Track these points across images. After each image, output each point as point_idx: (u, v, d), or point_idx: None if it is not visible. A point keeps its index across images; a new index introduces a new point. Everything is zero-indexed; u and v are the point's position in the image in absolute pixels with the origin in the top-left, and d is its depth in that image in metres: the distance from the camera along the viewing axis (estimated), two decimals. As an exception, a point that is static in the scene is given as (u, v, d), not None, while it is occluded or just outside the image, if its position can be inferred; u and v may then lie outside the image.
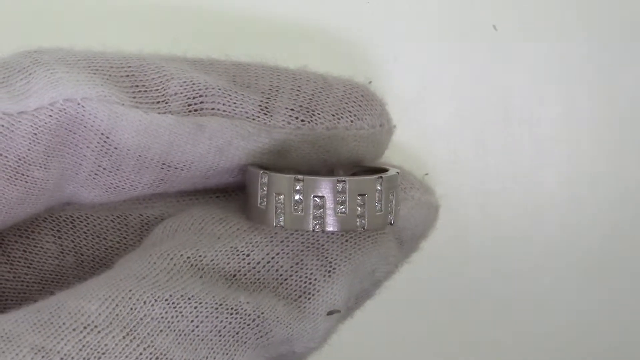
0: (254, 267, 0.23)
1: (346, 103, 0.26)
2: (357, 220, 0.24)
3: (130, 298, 0.21)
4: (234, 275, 0.23)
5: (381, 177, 0.24)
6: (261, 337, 0.23)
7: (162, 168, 0.25)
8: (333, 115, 0.25)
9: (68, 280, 0.26)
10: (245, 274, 0.23)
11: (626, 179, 0.35)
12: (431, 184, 0.29)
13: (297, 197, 0.24)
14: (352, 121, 0.26)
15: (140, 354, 0.21)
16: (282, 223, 0.24)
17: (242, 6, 0.32)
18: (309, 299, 0.24)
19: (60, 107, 0.22)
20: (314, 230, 0.24)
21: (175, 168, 0.25)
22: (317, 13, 0.32)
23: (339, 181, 0.24)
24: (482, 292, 0.35)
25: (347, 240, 0.25)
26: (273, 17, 0.32)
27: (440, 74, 0.34)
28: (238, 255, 0.24)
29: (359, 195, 0.24)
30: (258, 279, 0.23)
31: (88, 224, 0.26)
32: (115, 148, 0.24)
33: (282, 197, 0.24)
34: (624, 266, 0.36)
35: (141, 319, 0.21)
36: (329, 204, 0.24)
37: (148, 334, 0.21)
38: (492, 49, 0.34)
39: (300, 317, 0.24)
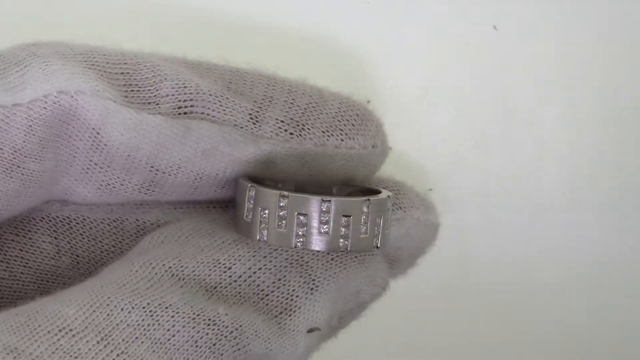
0: (235, 281, 0.23)
1: (339, 121, 0.26)
2: (341, 240, 0.23)
3: (108, 304, 0.21)
4: (215, 287, 0.23)
5: (368, 199, 0.24)
6: (238, 349, 0.23)
7: (151, 170, 0.25)
8: (323, 132, 0.25)
9: (64, 281, 0.26)
10: (226, 287, 0.23)
11: (626, 178, 0.35)
12: (433, 200, 0.28)
13: (281, 213, 0.23)
14: (342, 140, 0.25)
15: (114, 359, 0.21)
16: (265, 238, 0.23)
17: (242, 8, 0.32)
18: (289, 315, 0.24)
19: (54, 99, 0.23)
20: (296, 247, 0.23)
21: (163, 172, 0.25)
22: (317, 13, 0.32)
23: (324, 200, 0.23)
24: (482, 292, 0.35)
25: (332, 259, 0.25)
26: (273, 18, 0.32)
27: (441, 74, 0.34)
28: (219, 267, 0.23)
29: (344, 216, 0.23)
30: (239, 292, 0.23)
31: (84, 226, 0.26)
32: (105, 145, 0.24)
33: (267, 212, 0.23)
34: (624, 266, 0.36)
35: (117, 324, 0.21)
36: (313, 222, 0.23)
37: (123, 340, 0.21)
38: (493, 49, 0.34)
39: (279, 333, 0.24)
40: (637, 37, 0.34)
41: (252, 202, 0.24)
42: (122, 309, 0.21)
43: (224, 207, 0.27)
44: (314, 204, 0.23)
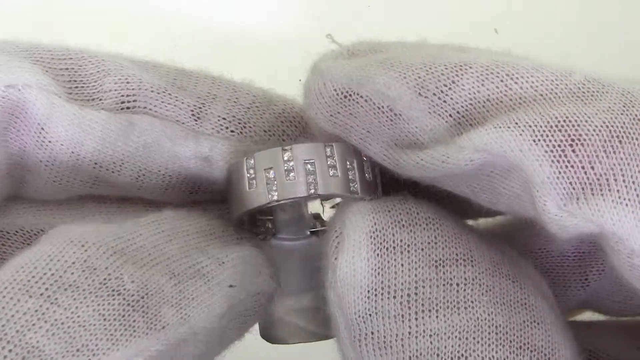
0: (141, 248, 0.22)
1: (282, 122, 0.26)
2: (350, 185, 0.24)
3: (4, 296, 0.20)
4: (122, 250, 0.22)
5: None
6: (150, 321, 0.21)
7: (94, 167, 0.25)
8: (265, 132, 0.26)
9: None
10: (134, 252, 0.22)
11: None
12: None
13: (287, 165, 0.24)
14: (284, 140, 0.26)
15: (5, 356, 0.20)
16: (276, 197, 0.24)
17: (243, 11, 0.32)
18: (202, 278, 0.23)
19: (2, 93, 0.23)
20: (309, 195, 0.23)
21: (107, 169, 0.25)
22: (318, 13, 0.33)
23: (326, 145, 0.24)
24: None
25: (226, 246, 0.24)
26: (274, 17, 0.32)
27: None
28: (123, 239, 0.22)
29: (348, 160, 0.24)
30: (148, 255, 0.22)
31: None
32: (50, 142, 0.24)
33: (271, 170, 0.23)
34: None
35: (11, 316, 0.20)
36: (323, 167, 0.24)
37: (17, 331, 0.20)
38: (493, 51, 0.34)
39: (194, 295, 0.22)
40: (638, 37, 0.34)
41: (252, 170, 0.24)
42: (18, 301, 0.20)
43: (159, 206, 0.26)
44: (320, 149, 0.24)
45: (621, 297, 0.27)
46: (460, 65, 0.23)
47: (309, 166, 0.24)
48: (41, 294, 0.20)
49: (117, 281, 0.21)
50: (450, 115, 0.22)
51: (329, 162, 0.24)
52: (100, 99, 0.24)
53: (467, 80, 0.22)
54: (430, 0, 0.35)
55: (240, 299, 0.24)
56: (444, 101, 0.22)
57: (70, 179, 0.25)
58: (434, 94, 0.22)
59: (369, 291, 0.23)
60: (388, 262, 0.23)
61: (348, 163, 0.24)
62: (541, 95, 0.22)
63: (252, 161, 0.24)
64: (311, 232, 0.27)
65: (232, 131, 0.25)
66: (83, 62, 0.25)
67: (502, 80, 0.22)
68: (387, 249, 0.23)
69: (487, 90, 0.22)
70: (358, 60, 0.24)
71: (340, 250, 0.23)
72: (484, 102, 0.22)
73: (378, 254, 0.23)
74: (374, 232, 0.23)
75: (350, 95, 0.23)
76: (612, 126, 0.21)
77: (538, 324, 0.23)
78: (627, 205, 0.21)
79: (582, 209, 0.21)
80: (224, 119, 0.25)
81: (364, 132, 0.24)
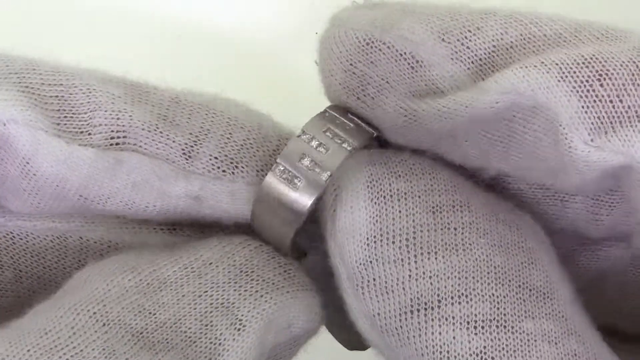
0: (160, 327, 0.22)
1: (275, 160, 0.25)
2: (344, 145, 0.24)
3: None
4: (141, 333, 0.22)
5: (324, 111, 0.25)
6: None
7: (79, 199, 0.24)
8: (257, 172, 0.25)
9: (6, 295, 0.26)
10: (152, 333, 0.22)
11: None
12: None
13: (313, 143, 0.24)
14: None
15: None
16: (325, 177, 0.24)
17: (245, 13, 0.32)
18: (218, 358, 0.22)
19: None
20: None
21: (92, 201, 0.24)
22: (319, 14, 0.33)
23: (302, 134, 0.24)
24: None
25: (261, 296, 0.24)
26: (274, 17, 0.32)
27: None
28: (144, 313, 0.22)
29: (323, 131, 0.24)
30: (165, 339, 0.22)
31: (27, 241, 0.26)
32: (34, 174, 0.24)
33: (304, 158, 0.24)
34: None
35: None
36: (314, 154, 0.24)
37: None
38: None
39: None
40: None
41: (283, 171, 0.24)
42: None
43: (171, 229, 0.26)
44: (303, 144, 0.24)
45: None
46: (484, 13, 0.23)
47: (305, 161, 0.24)
48: None
49: None
50: (472, 62, 0.22)
51: (314, 144, 0.24)
52: (89, 133, 0.24)
53: (491, 27, 0.22)
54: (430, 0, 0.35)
55: (261, 354, 0.24)
56: (467, 47, 0.22)
57: (54, 206, 0.25)
58: (458, 40, 0.22)
59: (368, 238, 0.23)
60: (386, 209, 0.23)
61: (327, 133, 0.24)
62: (564, 40, 0.22)
63: (281, 161, 0.24)
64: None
65: (223, 171, 0.24)
66: (74, 90, 0.24)
67: (525, 27, 0.22)
68: (384, 197, 0.23)
69: (510, 37, 0.22)
70: (381, 9, 0.24)
71: (339, 201, 0.23)
72: (507, 49, 0.22)
73: (376, 203, 0.23)
74: (370, 182, 0.23)
75: (372, 42, 0.23)
76: (639, 61, 0.21)
77: (536, 265, 0.23)
78: None
79: (611, 141, 0.21)
80: (216, 158, 0.24)
81: (383, 82, 0.23)
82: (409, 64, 0.23)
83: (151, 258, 0.24)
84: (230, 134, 0.25)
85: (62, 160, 0.23)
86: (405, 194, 0.23)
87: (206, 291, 0.23)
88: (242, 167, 0.24)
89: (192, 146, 0.24)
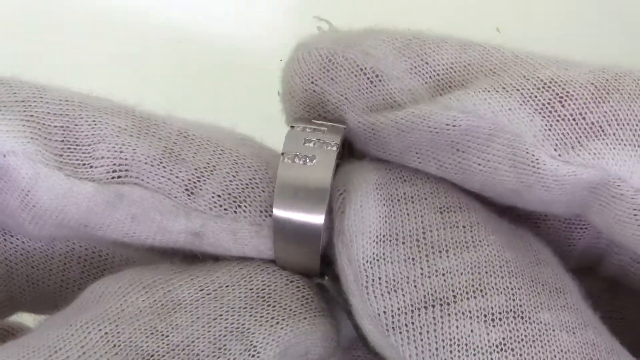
0: (172, 349, 0.22)
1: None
2: (325, 146, 0.24)
3: None
4: (152, 355, 0.22)
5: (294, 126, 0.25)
6: None
7: (79, 227, 0.24)
8: (260, 212, 0.24)
9: (0, 290, 0.26)
10: (163, 355, 0.22)
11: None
12: None
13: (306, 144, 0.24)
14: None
15: None
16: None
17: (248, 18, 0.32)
18: None
19: None
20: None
21: (92, 228, 0.24)
22: (318, 14, 0.32)
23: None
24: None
25: (277, 323, 0.23)
26: (273, 23, 0.32)
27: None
28: (156, 335, 0.22)
29: (303, 141, 0.24)
30: None
31: (17, 238, 0.26)
32: (34, 206, 0.24)
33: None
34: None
35: None
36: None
37: None
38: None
39: None
40: (638, 37, 0.34)
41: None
42: None
43: (172, 254, 0.26)
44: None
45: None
46: (445, 36, 0.24)
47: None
48: None
49: None
50: (430, 77, 0.23)
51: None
52: (91, 166, 0.23)
53: (450, 46, 0.23)
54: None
55: None
56: (426, 62, 0.23)
57: (54, 232, 0.25)
58: (417, 55, 0.23)
59: (377, 237, 0.23)
60: (394, 211, 0.23)
61: (306, 145, 0.24)
62: (521, 61, 0.23)
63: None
64: None
65: (225, 209, 0.24)
66: (79, 121, 0.24)
67: (483, 49, 0.23)
68: (392, 199, 0.23)
69: (468, 56, 0.23)
70: (346, 33, 0.25)
71: (347, 202, 0.23)
72: (465, 66, 0.23)
73: (384, 204, 0.23)
74: (379, 185, 0.24)
75: (335, 57, 0.24)
76: (597, 83, 0.22)
77: (544, 264, 0.23)
78: (625, 145, 0.21)
79: (580, 155, 0.22)
80: (219, 196, 0.24)
81: (341, 98, 0.24)
82: (368, 78, 0.24)
83: (167, 277, 0.24)
84: (236, 172, 0.24)
85: (61, 195, 0.23)
86: (412, 196, 0.23)
87: (221, 315, 0.23)
88: (245, 207, 0.24)
89: (195, 182, 0.24)
